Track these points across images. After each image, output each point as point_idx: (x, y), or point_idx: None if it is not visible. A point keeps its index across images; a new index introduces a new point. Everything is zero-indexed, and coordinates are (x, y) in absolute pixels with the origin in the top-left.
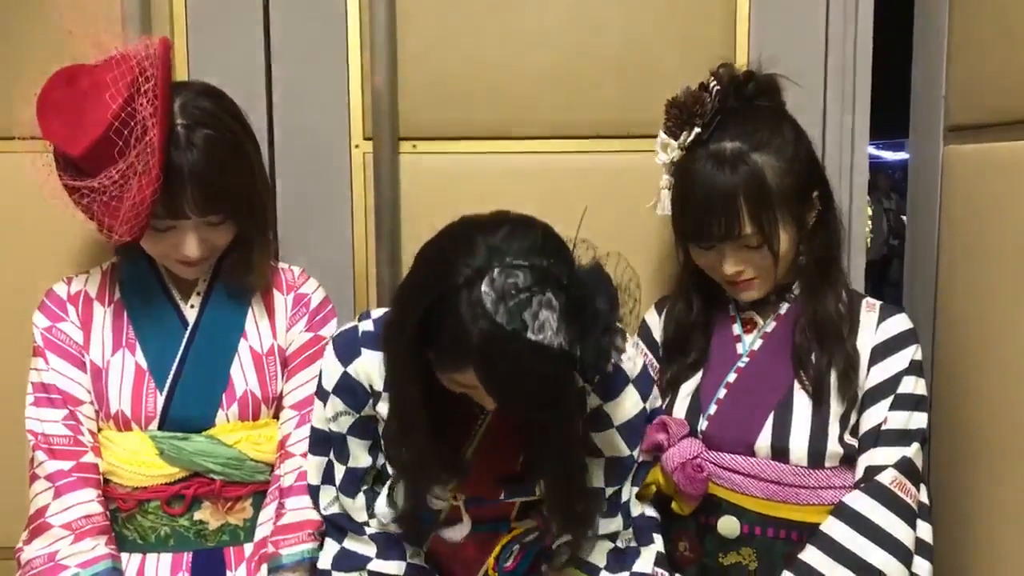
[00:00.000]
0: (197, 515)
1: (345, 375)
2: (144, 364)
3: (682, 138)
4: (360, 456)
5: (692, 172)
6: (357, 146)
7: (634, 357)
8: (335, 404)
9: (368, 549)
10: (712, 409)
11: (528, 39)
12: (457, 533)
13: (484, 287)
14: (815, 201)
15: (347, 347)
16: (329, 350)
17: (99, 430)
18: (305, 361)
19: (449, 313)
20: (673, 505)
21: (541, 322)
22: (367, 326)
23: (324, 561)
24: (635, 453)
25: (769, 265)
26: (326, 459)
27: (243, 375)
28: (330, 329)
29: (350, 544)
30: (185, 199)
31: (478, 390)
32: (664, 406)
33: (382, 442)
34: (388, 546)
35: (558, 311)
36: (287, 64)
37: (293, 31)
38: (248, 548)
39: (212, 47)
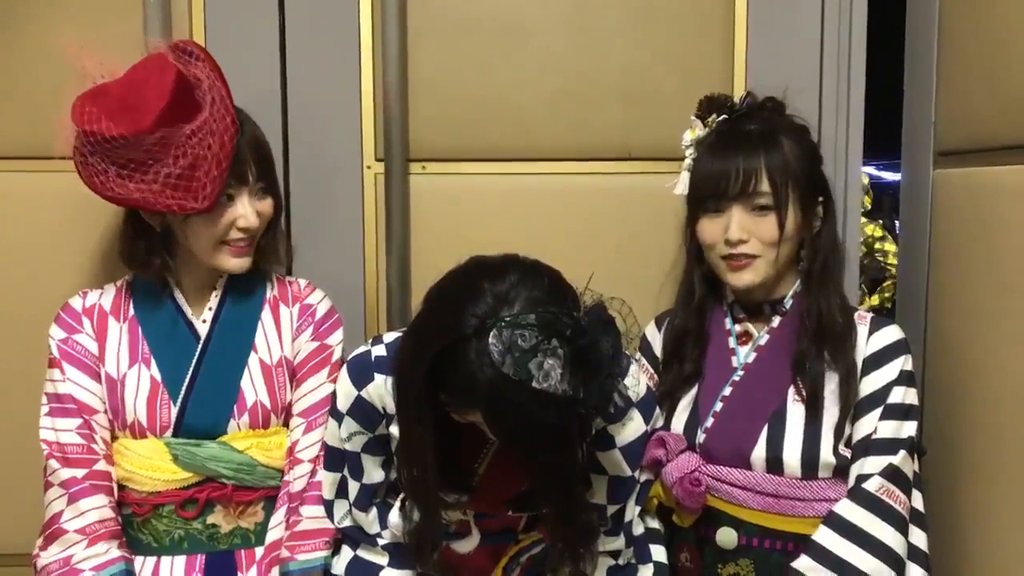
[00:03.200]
0: (210, 519)
1: (359, 398)
2: (159, 377)
3: (711, 118)
4: (373, 472)
5: (717, 137)
6: (369, 167)
7: (638, 381)
8: (349, 425)
9: (380, 559)
10: (709, 422)
11: (534, 65)
12: (466, 545)
13: (491, 339)
14: (819, 209)
15: (361, 372)
16: (343, 373)
17: (115, 439)
18: (312, 369)
19: (458, 360)
20: (674, 517)
21: (546, 371)
22: (380, 351)
23: (338, 567)
24: (637, 474)
25: (771, 241)
26: (340, 475)
27: (253, 387)
28: (336, 338)
29: (363, 553)
30: (247, 163)
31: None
32: (663, 419)
33: (395, 461)
34: (400, 556)
35: (563, 359)
36: (302, 88)
37: (308, 56)
38: (259, 551)
39: (229, 72)
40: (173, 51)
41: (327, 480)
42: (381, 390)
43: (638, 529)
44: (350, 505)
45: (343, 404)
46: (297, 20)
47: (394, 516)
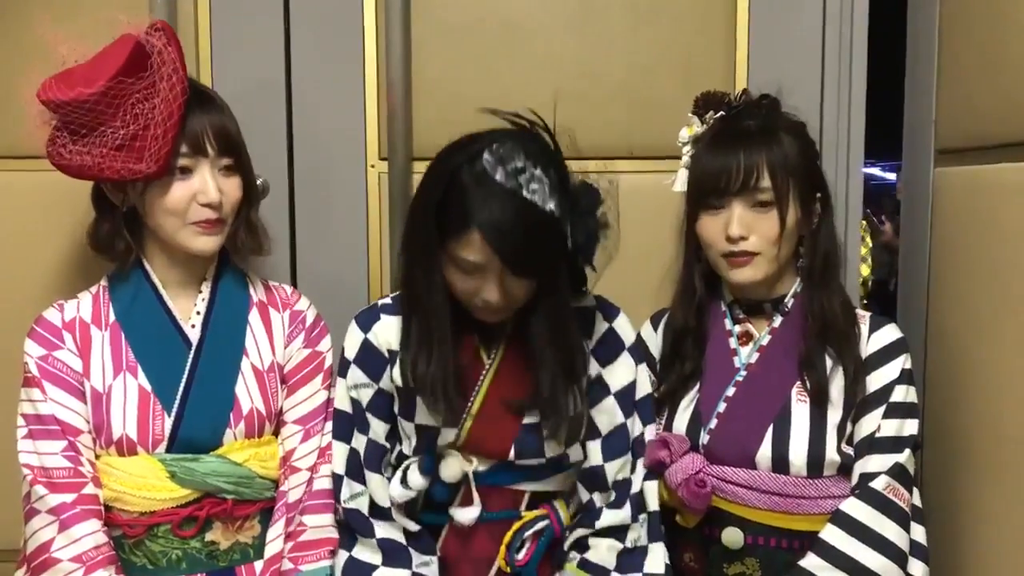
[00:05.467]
0: (208, 536)
1: (366, 341)
2: (148, 386)
3: (708, 115)
4: (380, 433)
5: (715, 134)
6: (373, 166)
7: (627, 329)
8: (355, 375)
9: (375, 557)
10: (713, 423)
11: (537, 65)
12: (468, 515)
13: (486, 155)
14: (818, 204)
15: (367, 316)
16: (351, 325)
17: (97, 457)
18: (306, 377)
19: (455, 187)
20: (677, 518)
21: (534, 188)
22: (385, 300)
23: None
24: (629, 422)
25: (772, 237)
26: (349, 447)
27: (248, 393)
28: (326, 345)
29: (358, 552)
30: (204, 136)
31: (485, 277)
32: (664, 420)
33: (405, 372)
34: (395, 554)
35: (548, 185)
36: (307, 87)
37: (313, 56)
38: (259, 565)
39: (235, 72)
40: (137, 29)
41: (337, 451)
42: (387, 329)
43: (653, 505)
44: (364, 475)
45: (351, 352)
46: (302, 20)
47: (396, 486)
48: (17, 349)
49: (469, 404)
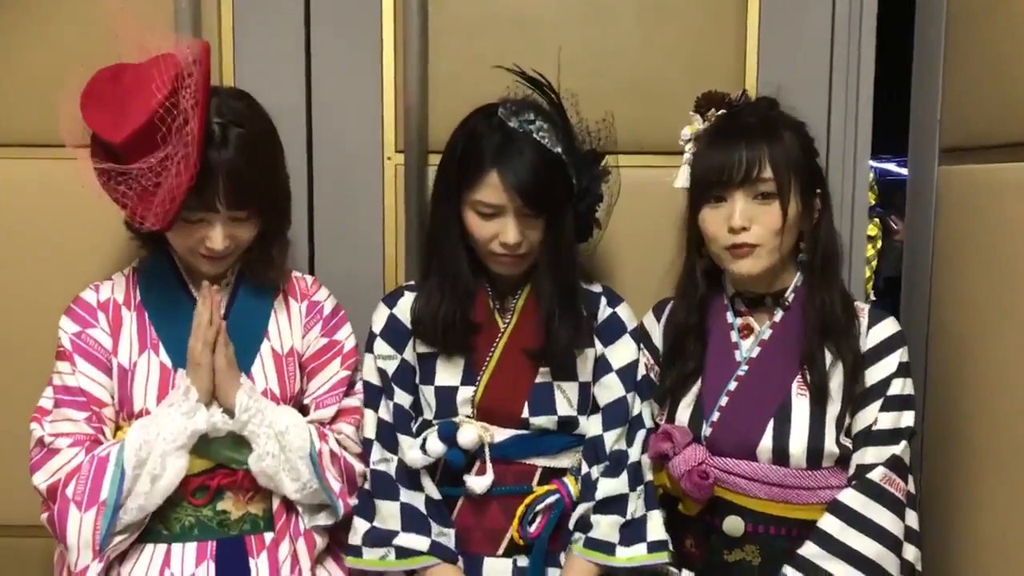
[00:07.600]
0: (220, 505)
1: (391, 316)
2: (169, 363)
3: (709, 113)
4: (404, 403)
5: (718, 129)
6: (389, 158)
7: (629, 315)
8: (381, 347)
9: (395, 524)
10: (715, 416)
11: (549, 61)
12: (482, 483)
13: (500, 109)
14: (817, 200)
15: (393, 295)
16: (379, 304)
17: (120, 429)
18: (324, 363)
19: (474, 138)
20: (679, 506)
21: (543, 134)
22: (409, 283)
23: (355, 538)
24: (630, 397)
25: (774, 229)
26: (378, 416)
27: (264, 374)
28: (345, 332)
29: (379, 521)
30: (217, 193)
31: (503, 219)
32: (666, 413)
33: (419, 313)
34: (416, 521)
35: (555, 134)
36: (326, 82)
37: (332, 51)
38: (268, 537)
39: (256, 68)
40: (182, 57)
41: (368, 419)
42: (409, 303)
43: (648, 475)
44: (394, 439)
45: (377, 327)
46: (322, 18)
47: (415, 452)
48: (53, 327)
49: (486, 363)
